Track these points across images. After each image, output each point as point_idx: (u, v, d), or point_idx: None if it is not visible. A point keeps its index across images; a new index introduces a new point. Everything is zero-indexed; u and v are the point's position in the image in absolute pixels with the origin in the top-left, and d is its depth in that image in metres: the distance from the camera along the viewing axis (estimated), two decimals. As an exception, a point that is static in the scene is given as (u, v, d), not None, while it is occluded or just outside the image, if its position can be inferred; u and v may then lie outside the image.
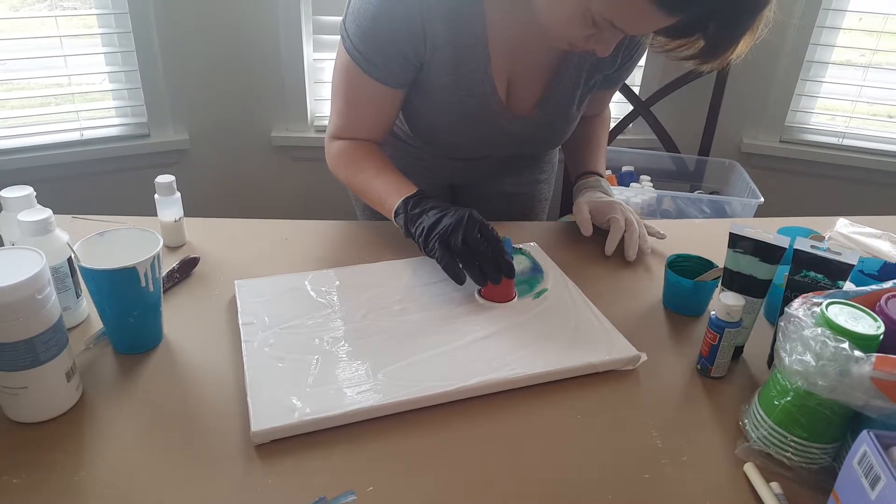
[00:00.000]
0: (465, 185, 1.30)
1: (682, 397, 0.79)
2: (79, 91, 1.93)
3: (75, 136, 1.90)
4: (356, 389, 0.75)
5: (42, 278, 0.68)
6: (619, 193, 1.96)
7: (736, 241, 0.80)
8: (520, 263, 1.01)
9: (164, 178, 1.02)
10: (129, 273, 0.77)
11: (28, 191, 0.89)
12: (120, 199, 1.91)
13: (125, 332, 0.82)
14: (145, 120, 1.96)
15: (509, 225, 1.17)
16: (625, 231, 1.06)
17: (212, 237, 1.09)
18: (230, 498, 0.64)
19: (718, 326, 0.77)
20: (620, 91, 2.16)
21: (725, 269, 0.82)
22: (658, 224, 1.15)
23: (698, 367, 0.82)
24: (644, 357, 0.82)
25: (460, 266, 0.88)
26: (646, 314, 0.94)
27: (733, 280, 0.81)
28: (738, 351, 0.85)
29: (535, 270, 0.99)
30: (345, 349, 0.81)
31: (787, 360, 0.65)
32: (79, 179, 1.86)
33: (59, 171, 1.87)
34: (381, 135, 1.07)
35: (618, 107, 2.33)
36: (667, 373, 0.83)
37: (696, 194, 2.02)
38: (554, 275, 0.98)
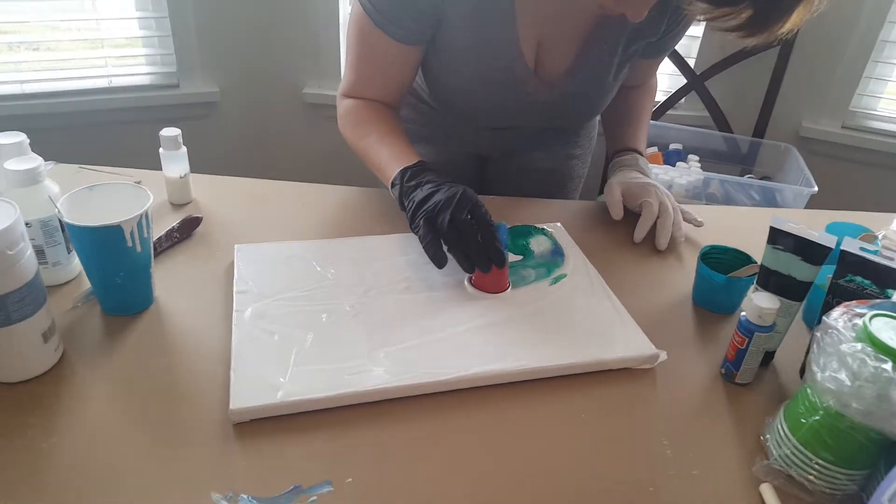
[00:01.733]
0: (493, 158, 1.22)
1: (701, 404, 0.71)
2: (108, 37, 1.90)
3: (103, 83, 1.87)
4: (347, 372, 0.70)
5: (13, 232, 0.63)
6: (663, 173, 1.85)
7: (776, 236, 0.72)
8: (540, 244, 0.93)
9: (169, 132, 0.98)
10: (114, 231, 0.73)
11: (20, 138, 0.85)
12: (146, 150, 1.88)
13: (112, 292, 0.79)
14: (175, 70, 1.93)
15: (535, 203, 1.09)
16: (658, 217, 0.98)
17: (220, 196, 1.05)
18: (201, 479, 0.60)
19: (748, 329, 0.70)
20: (673, 62, 2.04)
21: (762, 266, 0.74)
22: (698, 210, 1.05)
23: (722, 371, 0.75)
24: (663, 356, 0.75)
25: (444, 249, 0.80)
26: (672, 309, 0.86)
27: (770, 279, 0.73)
28: (769, 356, 0.77)
29: (556, 253, 0.92)
30: (341, 326, 0.76)
31: (819, 375, 0.57)
32: (104, 128, 1.84)
33: (84, 118, 1.85)
34: (394, 97, 1.00)
35: (670, 79, 2.20)
36: (687, 375, 0.75)
37: (745, 179, 1.90)
38: (575, 260, 0.91)
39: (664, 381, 0.74)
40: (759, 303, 0.68)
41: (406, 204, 0.85)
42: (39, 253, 0.81)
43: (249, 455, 0.63)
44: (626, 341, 0.76)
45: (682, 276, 0.92)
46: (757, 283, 0.74)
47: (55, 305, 0.80)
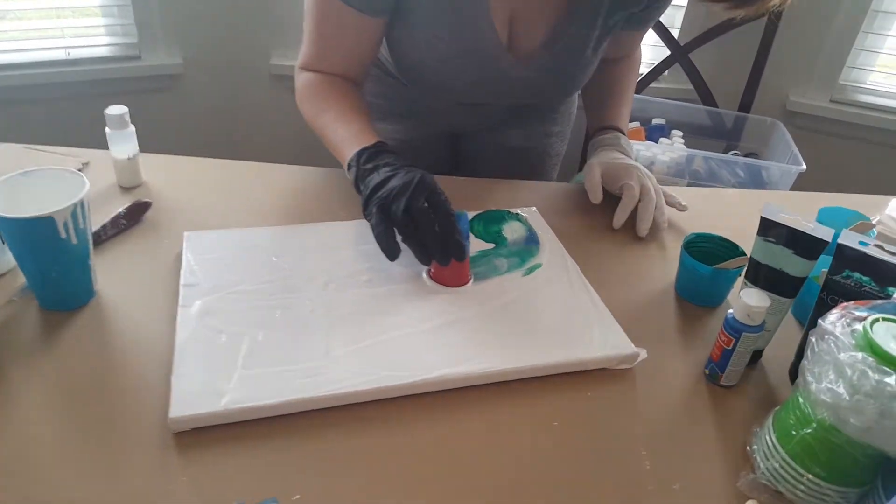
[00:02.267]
0: (466, 136, 1.16)
1: (683, 408, 0.67)
2: (66, 5, 1.79)
3: (60, 54, 1.77)
4: (300, 375, 0.64)
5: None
6: (645, 149, 1.79)
7: (767, 227, 0.66)
8: (514, 231, 0.88)
9: (115, 109, 0.90)
10: (45, 223, 0.66)
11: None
12: (101, 124, 1.81)
13: (47, 287, 0.72)
14: (136, 41, 1.83)
15: (510, 184, 1.03)
16: (639, 201, 0.92)
17: (173, 178, 0.98)
18: (137, 493, 0.55)
19: (735, 329, 0.64)
20: (657, 32, 1.96)
21: (751, 259, 0.68)
22: (683, 193, 1.00)
23: (706, 371, 0.70)
24: (643, 355, 0.70)
25: (397, 239, 0.74)
26: (653, 301, 0.81)
27: (760, 273, 0.68)
28: (757, 355, 0.72)
29: (531, 241, 0.86)
30: (296, 324, 0.70)
31: (813, 385, 0.52)
32: (62, 102, 1.74)
33: (41, 91, 1.75)
34: (356, 71, 0.93)
35: (652, 50, 2.13)
36: (669, 376, 0.70)
37: (730, 155, 1.85)
38: (551, 248, 0.85)
39: (644, 383, 0.69)
40: (747, 300, 0.63)
41: (361, 188, 0.79)
42: (-29, 243, 0.74)
43: (190, 467, 0.57)
44: (604, 339, 0.71)
45: (664, 265, 0.87)
46: (745, 277, 0.69)
47: (-14, 299, 0.73)
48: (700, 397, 0.68)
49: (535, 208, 0.93)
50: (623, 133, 1.03)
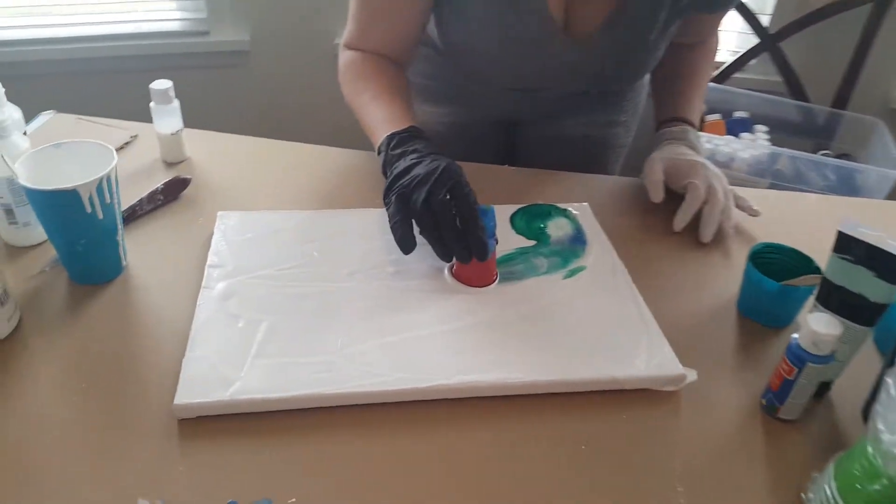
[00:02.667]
0: (521, 122, 1.09)
1: (732, 442, 0.59)
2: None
3: (130, 28, 1.79)
4: (312, 370, 0.61)
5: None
6: (724, 144, 1.68)
7: (845, 243, 0.58)
8: (560, 228, 0.81)
9: (160, 84, 0.88)
10: (69, 196, 0.65)
11: (-5, 88, 0.77)
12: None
13: (74, 260, 0.71)
14: (205, 16, 1.83)
15: (564, 177, 0.96)
16: (704, 203, 0.84)
17: (217, 155, 0.96)
18: (131, 479, 0.53)
19: (798, 357, 0.57)
20: (744, 17, 1.83)
21: (824, 279, 0.60)
22: (757, 196, 0.90)
23: (763, 402, 0.62)
24: (692, 377, 0.63)
25: (414, 231, 0.69)
26: (711, 317, 0.73)
27: (833, 296, 0.59)
28: (825, 387, 0.63)
29: (577, 240, 0.79)
30: (315, 314, 0.67)
31: (885, 437, 0.45)
32: (131, 75, 1.76)
33: (112, 64, 1.78)
34: (400, 50, 0.88)
35: (739, 37, 1.99)
36: (720, 403, 0.63)
37: (819, 155, 1.70)
38: (600, 249, 0.78)
39: (689, 409, 0.62)
40: (815, 327, 0.55)
41: (387, 175, 0.74)
42: (8, 212, 0.74)
43: (189, 458, 0.55)
44: (648, 356, 0.64)
45: (727, 277, 0.78)
46: (816, 298, 0.61)
47: (22, 268, 0.74)
48: (753, 431, 0.60)
49: (587, 204, 0.86)
50: (693, 126, 0.94)
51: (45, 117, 1.01)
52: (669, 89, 0.98)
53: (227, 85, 1.96)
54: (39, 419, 0.58)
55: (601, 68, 0.88)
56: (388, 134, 0.76)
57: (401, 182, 0.69)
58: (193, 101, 1.94)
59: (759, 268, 0.71)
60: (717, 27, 0.99)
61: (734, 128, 1.85)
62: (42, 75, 1.80)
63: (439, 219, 0.67)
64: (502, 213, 0.83)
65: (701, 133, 1.74)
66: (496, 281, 0.72)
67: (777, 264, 0.72)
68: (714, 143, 1.70)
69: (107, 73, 1.79)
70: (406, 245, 0.68)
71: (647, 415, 0.61)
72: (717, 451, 0.58)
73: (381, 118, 0.79)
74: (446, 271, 0.72)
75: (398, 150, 0.73)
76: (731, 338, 0.70)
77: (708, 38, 0.99)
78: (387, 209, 0.70)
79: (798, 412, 0.60)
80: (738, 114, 1.89)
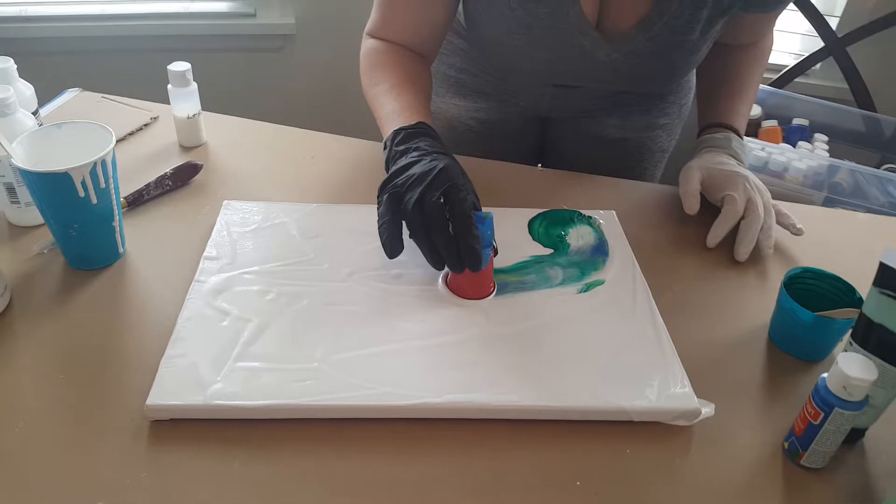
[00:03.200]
0: (556, 121, 1.03)
1: (747, 488, 0.53)
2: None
3: (180, 7, 1.79)
4: (294, 376, 0.57)
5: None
6: (779, 153, 1.58)
7: (887, 276, 0.51)
8: (581, 237, 0.76)
9: (178, 66, 0.86)
10: (61, 179, 0.63)
11: (7, 63, 0.77)
12: (212, 81, 1.83)
13: (69, 244, 0.70)
14: (253, -4, 1.83)
15: (594, 181, 0.90)
16: (742, 218, 0.77)
17: (235, 141, 0.93)
18: (94, 481, 0.51)
19: (825, 401, 0.50)
20: (809, 19, 1.71)
21: (861, 314, 0.53)
22: (802, 212, 0.83)
23: (785, 445, 0.56)
24: (709, 411, 0.57)
25: (401, 234, 0.64)
26: (738, 344, 0.66)
27: (871, 334, 0.52)
28: (857, 433, 0.57)
29: (599, 251, 0.74)
30: (306, 316, 0.63)
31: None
32: (176, 55, 1.77)
33: (159, 42, 1.78)
34: (423, 42, 0.83)
35: (803, 40, 1.87)
36: (737, 442, 0.57)
37: (883, 170, 1.58)
38: (622, 262, 0.73)
39: (702, 448, 0.56)
40: (846, 369, 0.48)
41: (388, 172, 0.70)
42: (10, 191, 0.73)
43: (155, 463, 0.53)
44: (661, 385, 0.58)
45: (761, 301, 0.71)
46: (852, 336, 0.54)
47: (22, 249, 0.72)
48: (771, 478, 0.54)
49: (613, 212, 0.80)
50: (737, 133, 0.87)
51: (69, 94, 1.00)
52: (715, 93, 0.91)
53: (271, 68, 1.95)
54: (9, 407, 0.56)
55: (633, 68, 0.81)
56: (395, 129, 0.71)
57: (395, 181, 0.64)
58: (236, 83, 1.95)
59: (796, 294, 0.64)
60: (771, 28, 0.91)
61: (792, 136, 1.74)
62: (87, 51, 1.81)
63: (430, 223, 0.62)
64: (521, 217, 0.78)
65: (755, 140, 1.65)
66: (493, 294, 0.67)
67: (816, 291, 0.65)
68: (768, 150, 1.60)
69: (152, 51, 1.80)
70: (392, 248, 0.63)
71: (654, 451, 0.55)
72: (728, 498, 0.52)
73: (390, 111, 0.75)
74: (440, 280, 0.68)
75: (402, 147, 0.69)
76: (757, 369, 0.64)
77: (761, 39, 0.91)
78: (377, 208, 0.66)
79: (824, 460, 0.54)
80: (797, 121, 1.78)
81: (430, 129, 0.71)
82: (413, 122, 0.71)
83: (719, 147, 0.85)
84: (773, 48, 0.94)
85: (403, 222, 0.63)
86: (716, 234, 0.77)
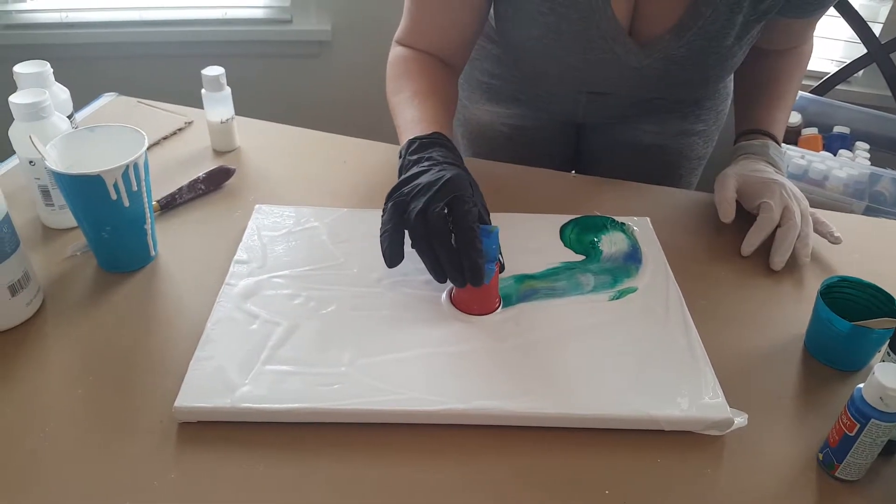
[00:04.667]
0: (590, 127, 1.02)
1: (778, 500, 0.52)
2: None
3: (218, 14, 1.82)
4: (322, 380, 0.57)
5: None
6: (819, 161, 1.54)
7: (931, 284, 0.49)
8: (614, 244, 0.75)
9: (212, 70, 0.87)
10: (94, 182, 0.64)
11: (43, 67, 0.78)
12: (248, 87, 1.85)
13: (101, 246, 0.71)
14: (288, 4, 1.84)
15: (627, 187, 0.89)
16: (778, 226, 0.75)
17: (268, 146, 0.94)
18: (122, 483, 0.51)
19: (861, 413, 0.49)
20: (852, 25, 1.68)
21: (902, 323, 0.51)
22: (842, 221, 0.81)
23: (820, 456, 0.54)
24: (741, 421, 0.56)
25: (403, 243, 0.62)
26: (773, 354, 0.65)
27: (912, 344, 0.51)
28: (894, 445, 0.55)
29: (632, 258, 0.73)
30: (335, 321, 0.63)
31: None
32: (212, 60, 1.80)
33: (195, 49, 1.80)
34: (450, 49, 0.83)
35: (846, 47, 1.83)
36: (770, 453, 0.55)
37: (927, 178, 1.54)
38: (655, 270, 0.71)
39: (734, 458, 0.55)
40: (883, 379, 0.47)
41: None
42: (45, 194, 0.74)
43: (183, 465, 0.53)
44: (694, 394, 0.57)
45: (797, 310, 0.69)
46: (890, 346, 0.52)
47: (55, 251, 0.74)
48: (805, 490, 0.52)
49: (647, 219, 0.79)
50: (775, 140, 0.86)
51: (105, 99, 1.02)
52: (752, 99, 0.89)
53: (307, 75, 1.97)
54: (40, 408, 0.57)
55: (669, 75, 0.80)
56: (410, 138, 0.71)
57: (402, 189, 0.64)
58: (272, 89, 1.97)
59: (833, 304, 0.62)
60: (811, 33, 0.89)
61: (832, 144, 1.70)
62: (126, 57, 1.85)
63: (433, 234, 0.61)
64: (552, 224, 0.77)
65: (795, 148, 1.61)
66: (498, 310, 0.65)
67: (853, 301, 0.64)
68: (808, 158, 1.57)
69: (189, 57, 1.83)
70: (392, 257, 0.62)
71: (685, 461, 0.54)
72: (761, 512, 0.51)
73: (409, 120, 0.74)
74: (444, 295, 0.66)
75: (415, 157, 0.68)
76: (793, 379, 0.62)
77: (801, 45, 0.89)
78: (381, 216, 0.65)
79: (859, 472, 0.52)
80: (838, 128, 1.74)
81: (445, 139, 0.70)
82: (429, 132, 0.70)
83: (756, 154, 0.83)
84: (813, 54, 0.92)
85: (406, 232, 0.62)
86: (751, 241, 0.76)
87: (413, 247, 0.62)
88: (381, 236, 0.63)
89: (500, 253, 0.65)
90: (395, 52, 0.84)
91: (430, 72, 0.81)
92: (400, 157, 0.70)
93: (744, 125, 0.89)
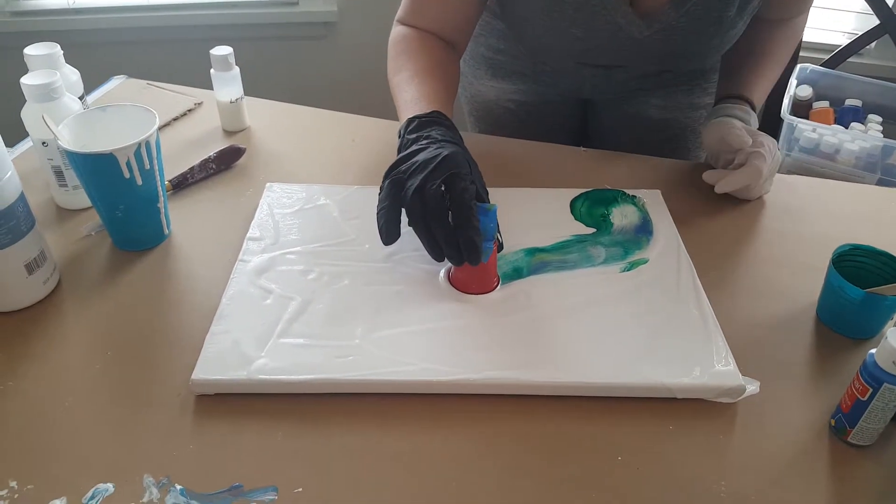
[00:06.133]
0: (597, 102, 1.02)
1: (791, 465, 0.52)
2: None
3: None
4: (336, 353, 0.58)
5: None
6: (830, 134, 1.53)
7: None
8: (625, 216, 0.75)
9: (221, 50, 0.87)
10: (106, 160, 0.64)
11: (54, 49, 0.78)
12: (256, 69, 1.84)
13: (115, 225, 0.72)
14: (295, -16, 1.84)
15: (637, 160, 0.89)
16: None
17: (278, 125, 0.94)
18: (141, 454, 0.52)
19: (874, 377, 0.49)
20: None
21: (915, 288, 0.51)
22: (852, 190, 0.81)
23: (832, 422, 0.54)
24: (753, 388, 0.56)
25: (399, 221, 0.62)
26: (786, 323, 0.65)
27: (924, 308, 0.51)
28: (908, 411, 0.55)
29: (643, 230, 0.73)
30: (347, 295, 0.64)
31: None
32: (219, 43, 1.80)
33: (203, 32, 1.81)
34: (451, 28, 0.83)
35: (857, 18, 1.81)
36: (782, 420, 0.56)
37: (941, 150, 1.52)
38: (667, 241, 0.71)
39: (746, 425, 0.55)
40: (895, 343, 0.47)
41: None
42: (58, 175, 0.75)
43: (201, 436, 0.54)
44: (705, 362, 0.57)
45: (810, 279, 0.69)
46: (904, 311, 0.52)
47: (70, 231, 0.74)
48: (817, 455, 0.53)
49: (658, 191, 0.79)
50: (753, 109, 0.84)
51: (115, 81, 1.02)
52: (736, 64, 0.88)
53: (314, 56, 1.97)
54: (59, 383, 0.57)
55: (671, 45, 0.80)
56: (409, 117, 0.70)
57: (399, 167, 0.63)
58: (280, 71, 1.97)
59: (845, 272, 0.62)
60: (807, 6, 0.88)
61: (844, 117, 1.68)
62: (133, 41, 1.86)
63: (430, 212, 0.60)
64: (563, 198, 0.77)
65: (806, 121, 1.60)
66: (497, 288, 0.65)
67: (866, 269, 0.64)
68: (820, 132, 1.55)
69: (196, 40, 1.83)
70: (388, 234, 0.62)
71: (697, 428, 0.55)
72: (772, 475, 0.51)
73: (409, 99, 0.74)
74: (441, 273, 0.66)
75: (413, 135, 0.67)
76: (805, 347, 0.62)
77: (795, 17, 0.88)
78: (378, 194, 0.64)
79: (872, 437, 0.52)
80: (850, 102, 1.72)
81: (444, 118, 0.70)
82: (428, 111, 0.70)
83: (729, 115, 0.82)
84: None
85: (403, 210, 0.62)
86: (730, 182, 0.76)
87: (410, 225, 0.62)
88: (377, 213, 0.63)
89: (499, 231, 0.65)
90: (397, 31, 0.84)
91: (430, 51, 0.80)
92: (399, 136, 0.70)
93: (724, 90, 0.88)
